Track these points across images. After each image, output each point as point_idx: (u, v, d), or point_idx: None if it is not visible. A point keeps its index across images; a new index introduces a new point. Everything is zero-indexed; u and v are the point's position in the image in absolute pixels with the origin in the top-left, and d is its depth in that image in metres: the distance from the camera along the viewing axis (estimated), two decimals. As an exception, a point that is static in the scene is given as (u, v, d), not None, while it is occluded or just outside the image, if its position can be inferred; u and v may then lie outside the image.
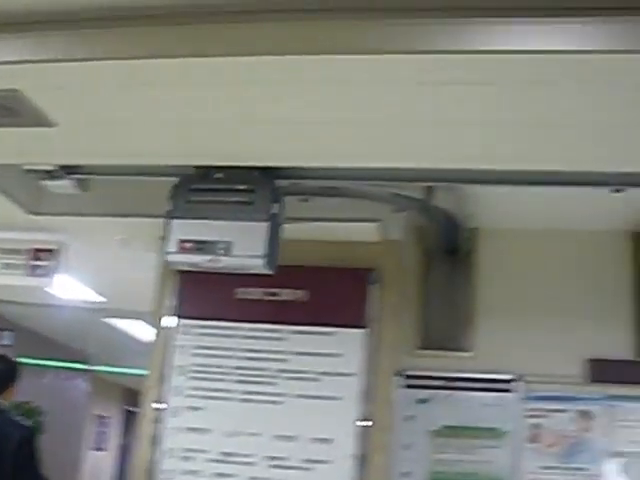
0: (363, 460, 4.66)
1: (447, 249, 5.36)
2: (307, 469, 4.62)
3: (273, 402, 4.74)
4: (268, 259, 4.21)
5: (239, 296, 5.03)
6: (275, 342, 4.83)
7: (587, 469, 4.90)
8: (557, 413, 5.00)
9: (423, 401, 5.03)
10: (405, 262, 5.34)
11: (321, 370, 4.77)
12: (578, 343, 5.07)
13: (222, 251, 4.16)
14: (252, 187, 4.25)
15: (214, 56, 2.75)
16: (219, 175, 4.31)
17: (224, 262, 4.23)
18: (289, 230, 4.59)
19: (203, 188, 4.29)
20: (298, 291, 4.90)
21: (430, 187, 4.37)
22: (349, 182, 4.25)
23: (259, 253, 4.13)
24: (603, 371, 5.02)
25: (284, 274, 4.68)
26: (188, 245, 4.21)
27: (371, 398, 4.76)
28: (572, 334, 5.09)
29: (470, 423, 4.98)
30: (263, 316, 4.90)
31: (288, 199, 4.36)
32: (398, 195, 4.45)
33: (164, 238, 4.31)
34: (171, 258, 4.30)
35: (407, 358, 5.15)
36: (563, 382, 5.01)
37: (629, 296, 5.09)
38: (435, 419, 5.01)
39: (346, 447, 4.63)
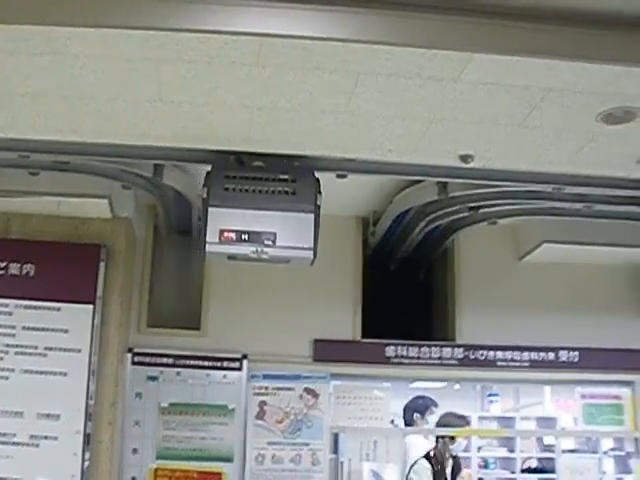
0: (90, 437, 6.43)
1: (179, 229, 7.21)
2: (34, 445, 6.23)
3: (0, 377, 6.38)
4: (315, 250, 5.40)
5: (-33, 269, 6.41)
6: (2, 316, 6.28)
7: (311, 444, 7.06)
8: (284, 391, 7.10)
9: (153, 378, 6.83)
10: (136, 240, 7.08)
11: (48, 345, 6.29)
12: (306, 324, 7.06)
13: (268, 242, 5.27)
14: (293, 177, 5.38)
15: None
16: (259, 163, 5.38)
17: (270, 253, 5.32)
18: (18, 203, 6.26)
19: (241, 176, 5.33)
20: (26, 265, 6.48)
21: (159, 165, 5.73)
22: (80, 157, 5.49)
23: (308, 245, 5.37)
24: (327, 351, 7.21)
25: (12, 248, 6.42)
26: (230, 235, 5.25)
27: (99, 375, 6.39)
28: (300, 315, 7.07)
29: (198, 400, 6.83)
30: (-11, 290, 6.34)
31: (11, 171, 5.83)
32: (125, 171, 5.85)
33: (202, 226, 5.21)
34: (211, 248, 5.25)
35: (137, 335, 6.87)
36: (290, 361, 7.07)
37: (352, 279, 7.29)
38: (164, 396, 6.74)
39: (73, 423, 6.26)
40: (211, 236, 5.23)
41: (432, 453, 8.19)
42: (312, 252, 5.38)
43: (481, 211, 6.25)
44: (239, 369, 6.95)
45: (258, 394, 6.99)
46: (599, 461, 9.32)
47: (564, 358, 7.26)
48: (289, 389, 7.02)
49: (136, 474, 6.70)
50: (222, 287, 7.14)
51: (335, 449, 7.15)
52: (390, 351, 7.09)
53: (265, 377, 7.02)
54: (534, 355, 7.20)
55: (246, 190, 5.33)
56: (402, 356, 7.09)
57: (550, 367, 7.27)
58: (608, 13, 3.87)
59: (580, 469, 7.68)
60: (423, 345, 7.12)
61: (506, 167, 5.37)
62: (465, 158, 5.09)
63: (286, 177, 5.38)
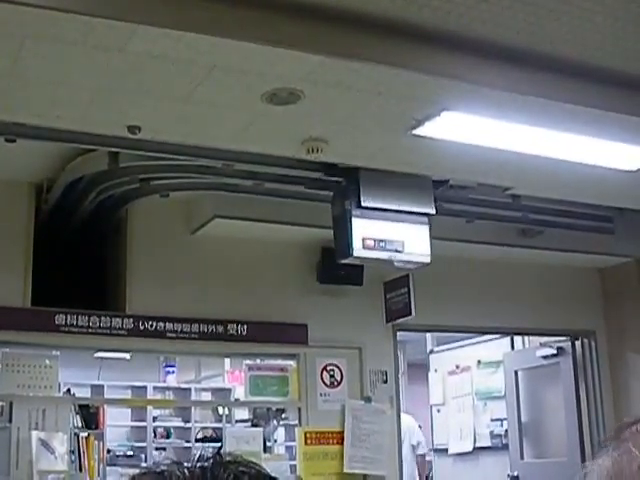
0: None
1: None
2: None
3: None
4: (430, 256, 6.39)
5: None
6: None
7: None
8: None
9: None
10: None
11: None
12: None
13: (399, 249, 6.26)
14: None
15: None
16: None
17: (399, 258, 6.34)
18: None
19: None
20: None
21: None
22: None
23: (427, 252, 6.39)
24: (-5, 317, 6.99)
25: None
26: (370, 242, 6.15)
27: None
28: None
29: None
30: None
31: None
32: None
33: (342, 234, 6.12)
34: (357, 253, 6.14)
35: None
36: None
37: (23, 246, 6.96)
38: None
39: None
40: (356, 243, 6.12)
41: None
42: (428, 257, 6.42)
43: (152, 183, 6.26)
44: None
45: None
46: (268, 431, 9.62)
47: (233, 331, 7.40)
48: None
49: None
50: None
51: (10, 418, 6.96)
52: (60, 319, 6.94)
53: None
54: (203, 327, 7.29)
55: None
56: (72, 325, 6.95)
57: (219, 339, 7.39)
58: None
59: (246, 438, 7.89)
60: (93, 314, 7.02)
61: (174, 140, 5.41)
62: (133, 129, 5.07)
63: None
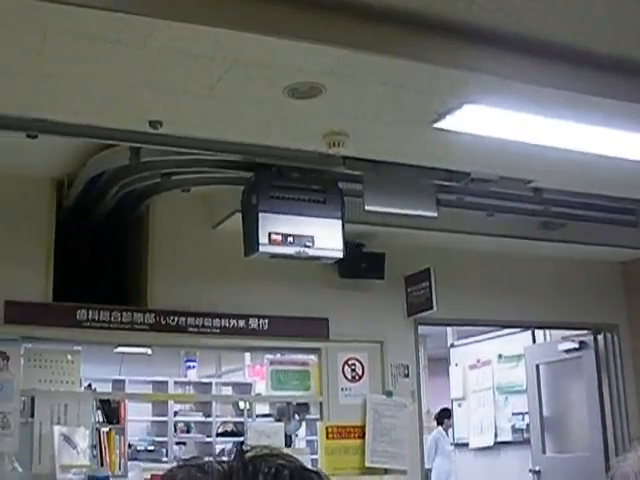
0: None
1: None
2: None
3: None
4: (344, 251, 6.40)
5: None
6: None
7: (1, 407, 6.83)
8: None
9: None
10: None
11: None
12: (-4, 285, 6.97)
13: (308, 244, 6.24)
14: (323, 187, 6.37)
15: None
16: (297, 175, 6.22)
17: (310, 253, 6.30)
18: None
19: (284, 186, 6.19)
20: None
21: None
22: None
23: (339, 247, 6.38)
24: (18, 312, 6.96)
25: None
26: (278, 237, 6.13)
27: None
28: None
29: None
30: None
31: None
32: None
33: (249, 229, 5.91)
34: (263, 249, 6.12)
35: None
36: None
37: (45, 241, 6.99)
38: None
39: None
40: (262, 238, 6.10)
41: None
42: (341, 252, 6.44)
43: (173, 178, 6.26)
44: None
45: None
46: (290, 427, 9.64)
47: (254, 325, 7.41)
48: (-28, 352, 6.78)
49: None
50: None
51: (32, 413, 6.98)
52: (82, 314, 6.97)
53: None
54: (225, 322, 7.30)
55: (288, 198, 6.21)
56: (94, 320, 6.98)
57: (241, 334, 7.40)
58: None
59: (268, 432, 7.91)
60: (114, 309, 7.05)
61: (196, 135, 5.41)
62: (154, 124, 5.07)
63: (317, 187, 6.33)
